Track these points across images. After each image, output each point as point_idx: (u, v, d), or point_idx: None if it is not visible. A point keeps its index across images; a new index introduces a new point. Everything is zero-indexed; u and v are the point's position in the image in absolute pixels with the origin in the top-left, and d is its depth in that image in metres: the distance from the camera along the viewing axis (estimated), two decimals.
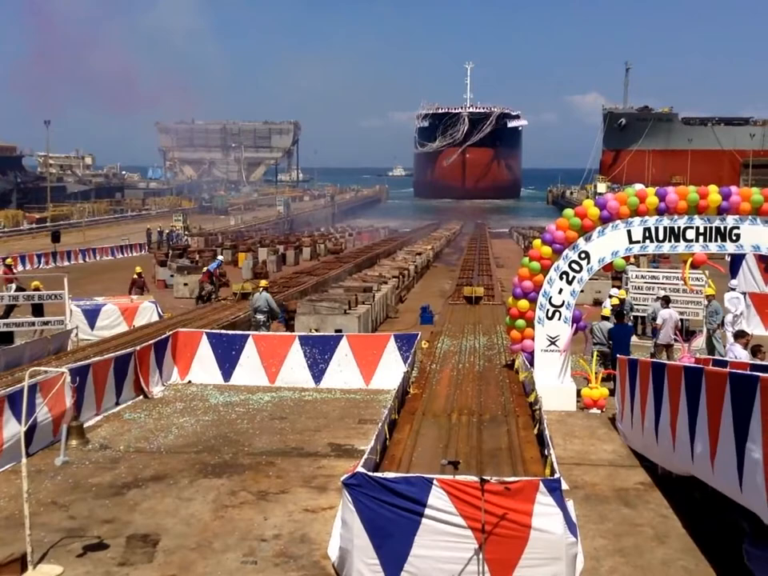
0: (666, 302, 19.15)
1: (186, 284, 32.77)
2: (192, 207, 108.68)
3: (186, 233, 64.53)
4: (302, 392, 16.63)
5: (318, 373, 17.38)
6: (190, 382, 17.39)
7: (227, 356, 17.55)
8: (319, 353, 17.48)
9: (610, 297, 20.15)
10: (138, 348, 16.07)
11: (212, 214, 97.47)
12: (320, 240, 59.06)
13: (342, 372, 17.36)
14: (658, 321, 18.40)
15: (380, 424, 9.94)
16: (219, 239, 59.28)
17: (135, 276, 29.05)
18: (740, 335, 15.57)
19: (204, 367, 17.56)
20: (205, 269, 30.47)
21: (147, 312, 23.65)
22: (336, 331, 20.46)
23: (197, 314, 23.82)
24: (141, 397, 15.97)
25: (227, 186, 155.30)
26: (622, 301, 20.22)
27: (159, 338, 17.17)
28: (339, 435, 13.47)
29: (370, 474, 7.61)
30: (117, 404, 15.26)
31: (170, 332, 17.84)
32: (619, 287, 22.82)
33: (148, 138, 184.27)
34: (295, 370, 17.40)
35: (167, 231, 61.61)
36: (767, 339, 19.31)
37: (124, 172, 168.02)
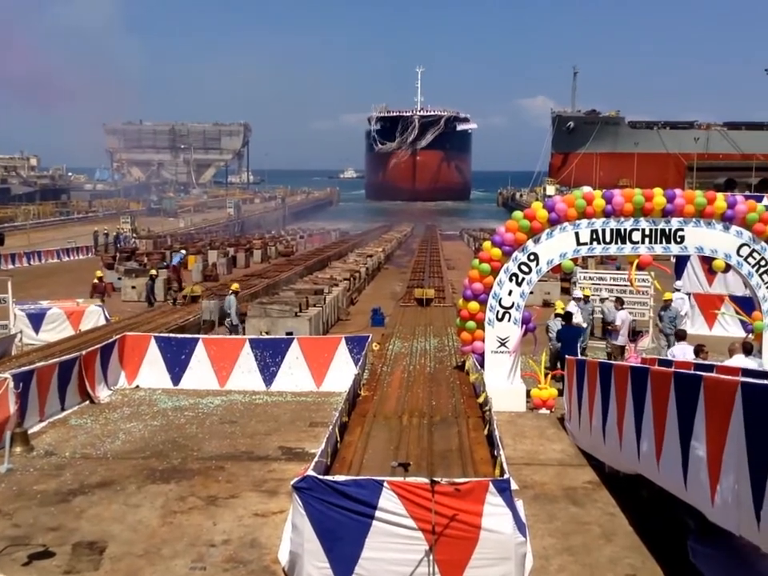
0: (620, 303, 19.44)
1: (134, 287, 32.30)
2: (140, 209, 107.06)
3: (134, 235, 63.60)
4: (252, 395, 16.50)
5: (268, 376, 17.28)
6: (138, 386, 17.14)
7: (176, 360, 17.35)
8: (270, 356, 17.38)
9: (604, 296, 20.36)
10: (83, 353, 15.79)
11: (161, 217, 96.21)
12: (271, 242, 58.71)
13: (293, 375, 17.28)
14: (617, 322, 18.65)
15: (331, 427, 9.92)
16: (168, 241, 58.56)
17: (96, 281, 28.49)
18: (681, 335, 15.96)
19: (152, 371, 17.32)
20: (170, 264, 29.93)
21: (94, 316, 23.24)
22: (287, 334, 20.37)
23: (145, 318, 23.52)
24: (87, 402, 15.69)
25: (176, 187, 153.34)
26: (587, 299, 20.44)
27: (106, 343, 16.91)
28: (290, 438, 13.40)
29: (320, 477, 7.58)
30: (62, 410, 14.97)
31: (118, 336, 17.58)
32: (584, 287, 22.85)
33: (95, 140, 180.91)
34: (246, 374, 17.27)
35: (114, 234, 60.64)
36: (711, 339, 19.74)
37: (70, 173, 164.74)
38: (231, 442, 13.20)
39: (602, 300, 19.97)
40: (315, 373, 17.32)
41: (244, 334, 20.86)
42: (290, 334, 20.35)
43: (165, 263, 33.76)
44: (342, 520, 7.36)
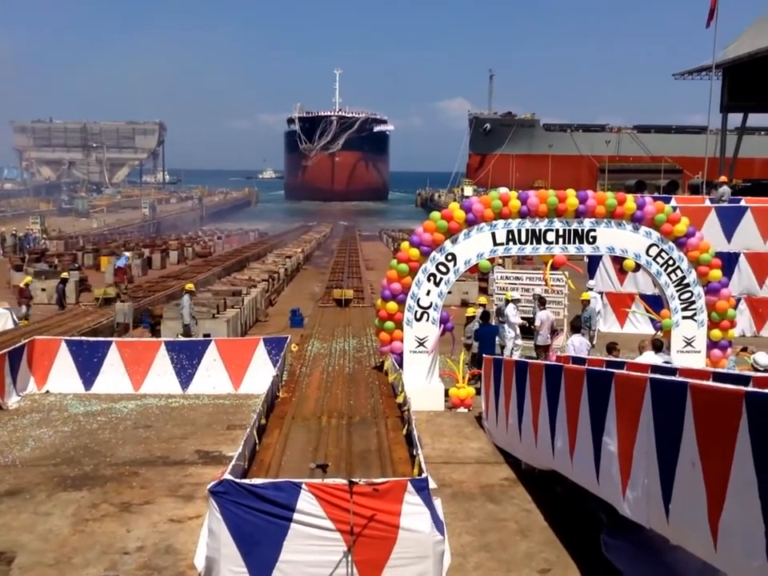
0: (541, 303, 19.79)
1: (44, 289, 31.32)
2: (51, 209, 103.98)
3: (44, 236, 61.72)
4: (168, 399, 16.21)
5: (185, 379, 17.00)
6: (48, 391, 16.63)
7: (89, 364, 16.89)
8: (186, 358, 17.10)
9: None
10: None
11: (72, 217, 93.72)
12: (188, 243, 57.76)
13: (211, 377, 17.04)
14: (537, 322, 18.97)
15: (248, 429, 9.79)
16: (81, 242, 57.07)
17: (23, 286, 27.35)
18: (578, 327, 16.56)
19: (63, 376, 16.82)
20: (115, 266, 28.34)
21: (1, 319, 22.45)
22: (204, 336, 20.07)
23: (55, 321, 22.81)
24: None
25: (88, 187, 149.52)
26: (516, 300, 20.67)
27: (14, 347, 16.33)
28: (207, 442, 13.20)
29: (237, 480, 7.46)
30: None
31: (26, 340, 17.02)
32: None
33: (2, 138, 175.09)
34: (161, 377, 16.95)
35: (23, 234, 58.72)
36: (623, 337, 20.30)
37: None
38: (146, 446, 12.92)
39: (507, 302, 20.07)
40: (233, 375, 17.12)
41: (198, 335, 20.56)
42: (208, 335, 20.07)
43: (76, 265, 32.33)
44: (259, 523, 7.27)
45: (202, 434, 13.67)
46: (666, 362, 13.04)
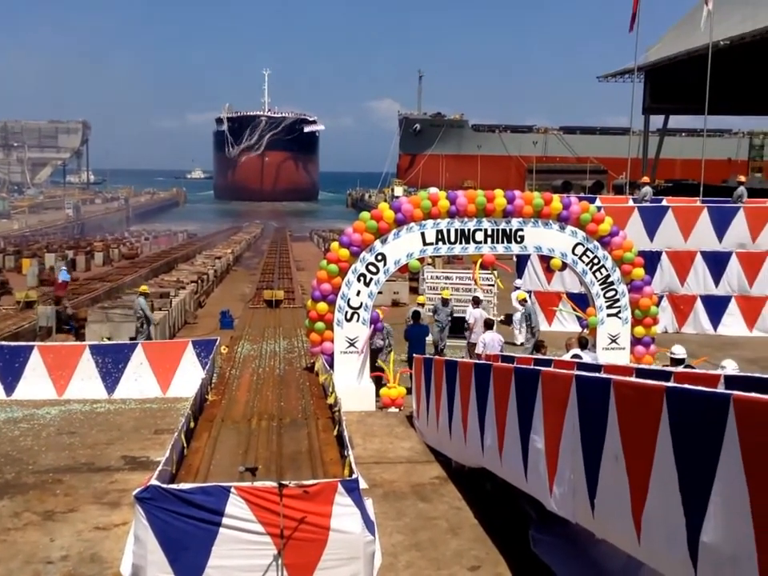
0: (475, 302, 19.98)
1: None
2: None
3: None
4: (93, 404, 15.84)
5: (111, 383, 16.64)
6: None
7: (9, 369, 16.38)
8: (112, 362, 16.73)
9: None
10: None
11: None
12: (113, 245, 56.66)
13: (138, 381, 16.72)
14: (470, 320, 19.13)
15: (176, 433, 9.63)
16: (1, 244, 55.51)
17: None
18: (490, 324, 16.92)
19: None
20: (59, 280, 26.28)
21: None
22: (131, 339, 19.71)
23: None
24: None
25: (9, 187, 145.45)
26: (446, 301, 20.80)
27: None
28: (134, 447, 12.95)
29: (164, 486, 7.32)
30: None
31: None
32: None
33: None
34: (86, 381, 16.55)
35: None
36: (550, 335, 20.62)
37: None
38: (70, 453, 12.60)
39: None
40: (161, 378, 16.83)
41: (150, 337, 20.31)
42: (134, 338, 19.70)
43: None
44: (187, 529, 7.15)
45: (128, 440, 13.40)
46: (592, 360, 13.32)
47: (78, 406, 15.69)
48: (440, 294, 21.72)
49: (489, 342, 16.47)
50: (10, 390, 16.28)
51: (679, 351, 12.42)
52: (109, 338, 20.01)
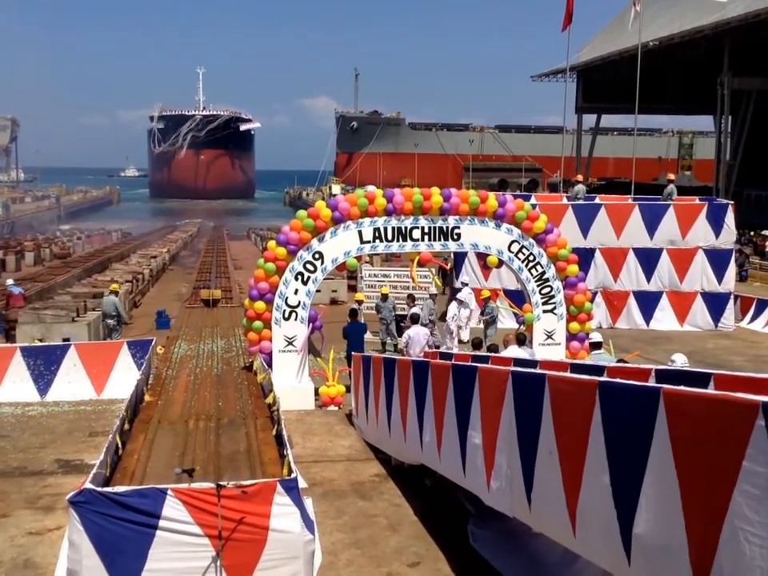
0: (412, 300, 20.08)
1: None
2: None
3: None
4: (25, 407, 15.48)
5: (43, 385, 16.27)
6: None
7: None
8: (44, 364, 16.37)
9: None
10: None
11: None
12: (45, 244, 55.35)
13: (71, 383, 16.39)
14: (407, 321, 19.23)
15: (111, 435, 9.47)
16: None
17: None
18: (415, 318, 17.40)
19: None
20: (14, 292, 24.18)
21: None
22: (64, 340, 19.28)
23: None
24: None
25: None
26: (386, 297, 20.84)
27: None
28: (68, 450, 12.70)
29: (99, 489, 7.20)
30: None
31: None
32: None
33: None
34: (17, 384, 16.16)
35: None
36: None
37: None
38: (1, 457, 12.30)
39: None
40: (95, 380, 16.53)
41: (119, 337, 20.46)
42: (67, 340, 19.28)
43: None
44: (123, 533, 7.05)
45: (61, 443, 13.14)
46: (529, 356, 13.51)
47: (9, 409, 15.31)
48: (379, 291, 21.80)
49: (414, 336, 16.54)
50: None
51: (595, 336, 14.31)
52: (41, 340, 19.54)
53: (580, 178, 33.68)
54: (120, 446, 9.74)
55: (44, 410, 15.32)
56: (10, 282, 24.47)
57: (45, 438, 13.44)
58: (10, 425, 14.29)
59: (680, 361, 11.09)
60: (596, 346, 13.85)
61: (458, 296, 21.75)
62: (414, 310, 19.21)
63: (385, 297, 20.64)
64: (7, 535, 9.31)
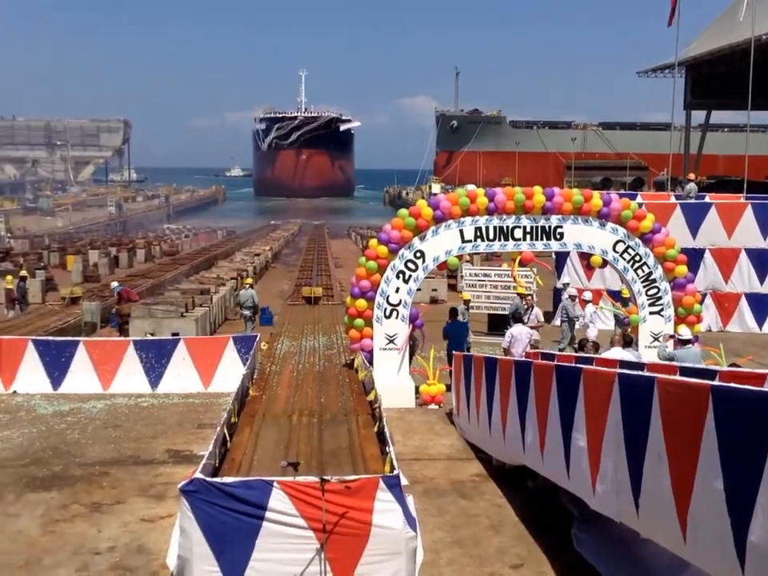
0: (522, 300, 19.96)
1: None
2: (15, 208, 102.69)
3: (9, 235, 60.97)
4: (137, 398, 16.08)
5: (154, 378, 16.89)
6: (15, 392, 16.44)
7: (56, 363, 16.71)
8: (155, 357, 16.99)
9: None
10: None
11: (37, 215, 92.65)
12: (155, 242, 57.42)
13: (180, 376, 16.94)
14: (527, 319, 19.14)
15: (219, 428, 9.75)
16: (46, 241, 56.50)
17: (9, 287, 26.53)
18: (518, 318, 17.56)
19: (31, 376, 16.62)
20: (115, 289, 25.05)
21: None
22: (173, 335, 19.96)
23: (21, 321, 22.58)
24: None
25: (53, 185, 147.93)
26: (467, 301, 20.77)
27: None
28: (178, 441, 13.13)
29: (208, 479, 7.43)
30: None
31: None
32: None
33: None
34: (130, 376, 16.82)
35: None
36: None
37: None
38: (116, 446, 12.82)
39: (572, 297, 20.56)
40: (203, 374, 17.04)
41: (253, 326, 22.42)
42: (176, 334, 19.95)
43: (42, 264, 30.45)
44: (231, 522, 7.25)
45: (172, 433, 13.60)
46: (635, 358, 13.22)
47: (122, 400, 15.94)
48: (482, 291, 21.76)
49: (517, 335, 16.35)
50: (57, 384, 16.60)
51: (685, 332, 13.97)
52: (152, 334, 20.29)
53: (692, 176, 32.71)
54: (227, 438, 10.02)
55: (155, 402, 15.89)
56: (115, 284, 25.54)
57: (156, 428, 13.93)
58: (123, 415, 14.88)
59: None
60: (685, 342, 13.63)
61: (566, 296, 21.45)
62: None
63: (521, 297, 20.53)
64: (121, 521, 9.70)
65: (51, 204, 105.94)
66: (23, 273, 28.99)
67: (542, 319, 19.61)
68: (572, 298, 20.53)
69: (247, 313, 22.83)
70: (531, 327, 18.97)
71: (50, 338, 18.26)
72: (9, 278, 27.73)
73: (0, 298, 28.98)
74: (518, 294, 20.28)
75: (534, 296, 22.00)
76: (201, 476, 7.43)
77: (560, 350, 18.46)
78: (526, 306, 19.54)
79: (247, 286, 24.10)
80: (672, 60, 53.93)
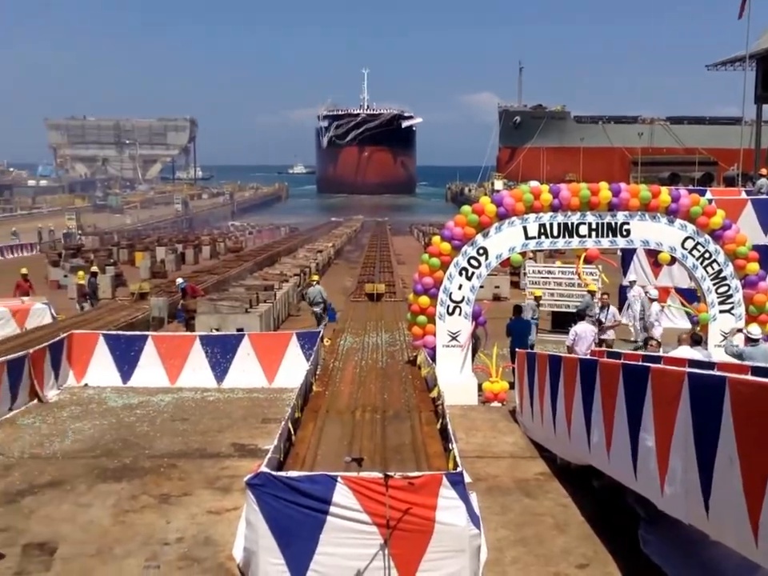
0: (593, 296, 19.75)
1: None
2: (85, 206, 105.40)
3: (80, 232, 62.59)
4: (204, 392, 16.35)
5: (220, 372, 17.14)
6: (86, 385, 16.87)
7: (126, 357, 17.11)
8: (221, 352, 17.25)
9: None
10: (31, 351, 15.48)
11: (107, 213, 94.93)
12: (220, 238, 58.27)
13: (245, 371, 17.17)
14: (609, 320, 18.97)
15: (283, 423, 9.86)
16: (115, 238, 57.81)
17: (21, 278, 27.63)
18: (582, 315, 17.39)
19: (101, 369, 17.04)
20: (180, 285, 25.69)
21: (40, 314, 22.81)
22: (237, 330, 20.23)
23: (92, 316, 23.16)
24: (35, 401, 15.38)
25: (122, 183, 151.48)
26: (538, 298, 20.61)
27: (54, 341, 16.58)
28: (243, 435, 13.32)
29: (274, 473, 7.53)
30: (10, 409, 14.62)
31: (65, 334, 17.26)
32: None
33: (37, 135, 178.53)
34: (197, 371, 17.12)
35: (64, 231, 59.64)
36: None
37: (12, 168, 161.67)
38: (183, 439, 13.06)
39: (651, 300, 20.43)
40: (267, 369, 17.24)
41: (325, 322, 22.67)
42: (241, 330, 20.22)
43: (111, 260, 31.69)
44: (296, 516, 7.33)
45: (237, 427, 13.79)
46: (705, 357, 12.93)
47: (189, 393, 16.23)
48: (546, 288, 21.53)
49: (581, 333, 16.15)
50: (126, 377, 16.99)
51: (755, 331, 13.55)
52: (217, 329, 20.60)
53: (763, 171, 31.72)
54: (292, 432, 10.13)
55: (221, 396, 16.13)
56: (180, 280, 26.07)
57: (222, 422, 14.15)
58: (190, 409, 15.15)
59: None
60: (755, 341, 13.28)
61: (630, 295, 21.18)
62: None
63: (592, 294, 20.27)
64: (189, 513, 9.88)
65: (120, 202, 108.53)
66: (94, 269, 29.73)
67: (620, 318, 19.32)
68: (651, 300, 20.24)
69: (317, 310, 23.02)
70: (608, 327, 18.76)
71: (120, 332, 18.67)
72: (80, 273, 28.43)
73: (72, 293, 29.79)
74: (588, 291, 20.01)
75: (608, 294, 21.69)
76: (266, 470, 7.54)
77: (634, 350, 18.16)
78: (600, 304, 19.30)
79: (314, 282, 24.33)
80: (743, 52, 52.54)
